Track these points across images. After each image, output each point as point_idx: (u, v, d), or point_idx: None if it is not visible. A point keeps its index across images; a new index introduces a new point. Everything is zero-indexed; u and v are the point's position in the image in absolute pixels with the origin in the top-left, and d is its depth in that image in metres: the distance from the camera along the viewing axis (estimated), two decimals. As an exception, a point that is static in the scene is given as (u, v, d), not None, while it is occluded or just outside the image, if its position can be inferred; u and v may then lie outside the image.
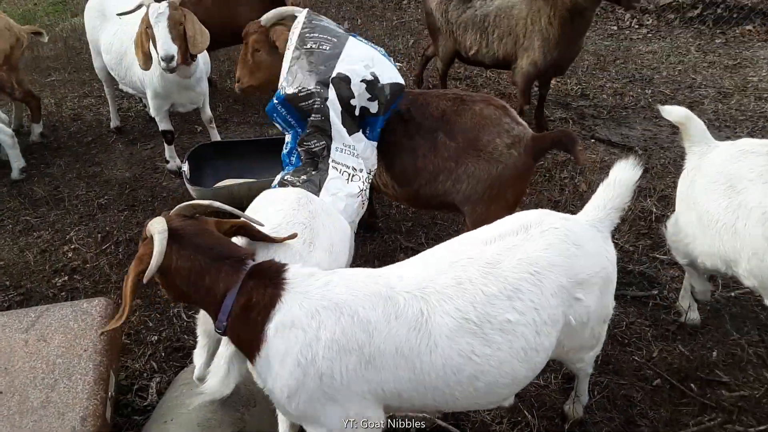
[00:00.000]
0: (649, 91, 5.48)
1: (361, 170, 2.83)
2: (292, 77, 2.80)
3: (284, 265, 1.79)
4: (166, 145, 4.42)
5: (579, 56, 6.25)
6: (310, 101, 2.78)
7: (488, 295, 1.73)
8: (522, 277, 1.77)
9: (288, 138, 2.97)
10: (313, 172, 2.81)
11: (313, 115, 2.79)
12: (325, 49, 2.82)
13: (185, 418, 2.31)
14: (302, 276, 1.74)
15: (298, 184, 2.76)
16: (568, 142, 2.74)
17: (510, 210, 3.00)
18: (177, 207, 1.95)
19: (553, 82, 5.76)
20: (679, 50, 6.35)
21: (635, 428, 2.51)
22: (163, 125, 4.31)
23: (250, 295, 1.71)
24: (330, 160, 2.81)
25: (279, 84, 2.86)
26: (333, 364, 1.64)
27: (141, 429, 2.40)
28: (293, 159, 2.91)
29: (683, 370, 2.76)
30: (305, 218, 2.19)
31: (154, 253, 1.75)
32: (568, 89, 5.57)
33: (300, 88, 2.77)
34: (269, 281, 1.72)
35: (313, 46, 2.83)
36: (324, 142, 2.82)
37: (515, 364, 1.76)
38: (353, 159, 2.83)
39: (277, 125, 2.97)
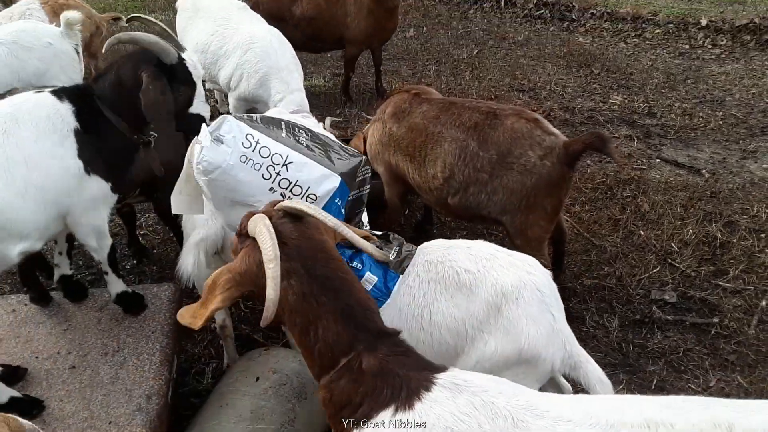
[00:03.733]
0: (720, 113, 5.31)
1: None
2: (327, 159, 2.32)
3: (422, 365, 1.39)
4: None
5: (647, 73, 6.16)
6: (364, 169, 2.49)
7: None
8: None
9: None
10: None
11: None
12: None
13: (239, 404, 2.40)
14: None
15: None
16: (599, 144, 2.70)
17: (551, 218, 2.94)
18: (278, 202, 1.59)
19: (619, 98, 5.68)
20: (753, 73, 6.13)
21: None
22: None
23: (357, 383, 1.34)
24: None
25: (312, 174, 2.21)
26: None
27: (197, 411, 2.50)
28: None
29: (742, 402, 2.68)
30: None
31: (268, 292, 1.34)
32: (634, 106, 5.46)
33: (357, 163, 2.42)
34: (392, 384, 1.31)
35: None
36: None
37: None
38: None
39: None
